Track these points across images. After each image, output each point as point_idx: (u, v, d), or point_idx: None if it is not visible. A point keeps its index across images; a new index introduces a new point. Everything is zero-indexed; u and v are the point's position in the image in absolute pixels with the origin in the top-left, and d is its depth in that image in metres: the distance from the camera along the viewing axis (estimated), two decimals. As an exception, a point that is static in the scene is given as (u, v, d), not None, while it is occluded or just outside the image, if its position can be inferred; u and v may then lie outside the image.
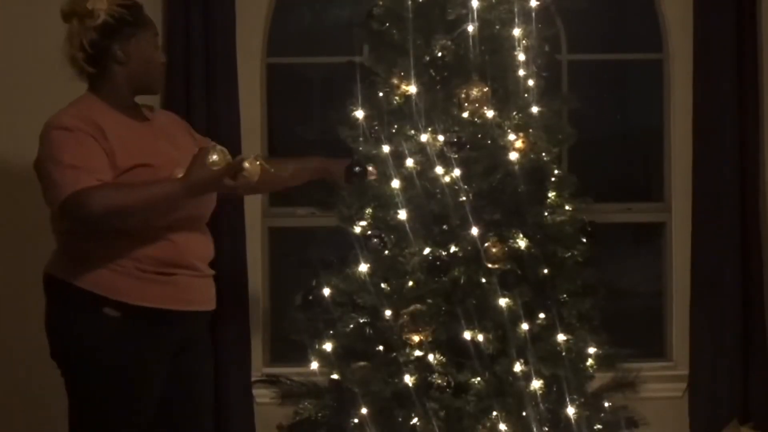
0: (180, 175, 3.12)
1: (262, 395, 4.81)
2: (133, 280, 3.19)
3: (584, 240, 3.95)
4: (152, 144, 3.30)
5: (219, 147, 3.18)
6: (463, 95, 3.82)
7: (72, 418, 3.38)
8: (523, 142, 3.85)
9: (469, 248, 3.79)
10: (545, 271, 3.87)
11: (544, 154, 3.93)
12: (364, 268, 3.87)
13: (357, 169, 3.66)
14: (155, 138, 3.34)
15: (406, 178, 3.84)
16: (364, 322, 3.90)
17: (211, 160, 3.10)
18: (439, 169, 3.82)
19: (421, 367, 3.77)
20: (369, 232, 3.88)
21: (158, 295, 3.22)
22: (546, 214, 3.93)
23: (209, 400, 3.55)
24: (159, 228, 3.22)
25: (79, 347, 3.24)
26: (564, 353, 3.84)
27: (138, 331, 3.20)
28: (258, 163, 3.09)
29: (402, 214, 3.81)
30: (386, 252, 3.86)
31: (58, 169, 3.11)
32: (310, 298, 3.97)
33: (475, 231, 3.78)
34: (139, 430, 3.29)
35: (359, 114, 3.92)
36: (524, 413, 3.77)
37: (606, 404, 4.06)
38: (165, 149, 3.31)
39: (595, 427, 3.95)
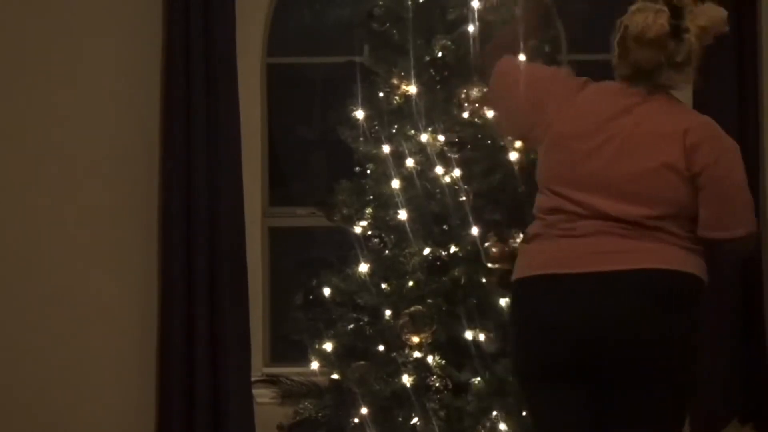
0: None
1: (262, 395, 4.81)
2: None
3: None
4: None
5: None
6: (463, 95, 3.83)
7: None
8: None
9: (469, 248, 3.79)
10: (545, 271, 3.87)
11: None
12: (364, 268, 3.87)
13: None
14: None
15: (406, 178, 3.84)
16: (364, 322, 3.90)
17: None
18: (439, 169, 3.82)
19: (420, 367, 3.77)
20: (369, 232, 3.89)
21: None
22: (546, 214, 3.92)
23: None
24: None
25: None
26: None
27: None
28: None
29: (402, 214, 3.81)
30: (386, 252, 3.86)
31: (743, 198, 3.05)
32: (311, 298, 3.97)
33: (475, 231, 3.78)
34: None
35: (359, 114, 3.92)
36: (524, 413, 3.77)
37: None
38: None
39: (595, 427, 3.95)
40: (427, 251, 3.82)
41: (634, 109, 2.92)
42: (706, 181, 2.90)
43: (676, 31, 2.93)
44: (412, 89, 3.88)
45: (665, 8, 2.90)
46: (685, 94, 5.04)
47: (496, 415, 3.74)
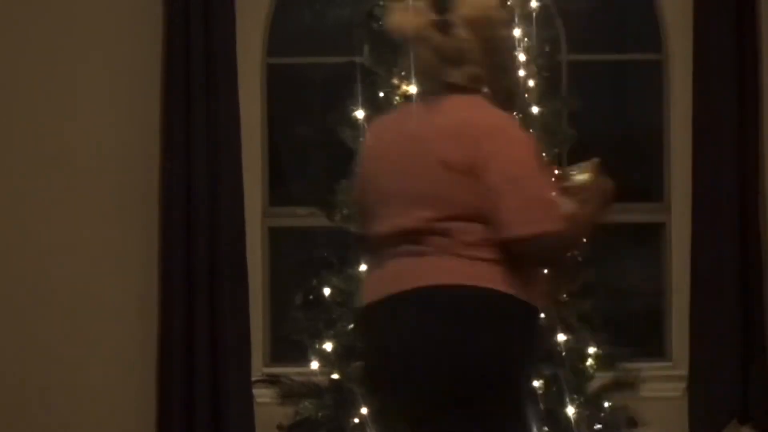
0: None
1: (262, 395, 4.81)
2: None
3: (584, 240, 3.94)
4: None
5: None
6: (463, 95, 3.81)
7: None
8: (523, 142, 3.85)
9: (469, 248, 3.78)
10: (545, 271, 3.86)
11: (543, 154, 3.93)
12: (364, 268, 3.86)
13: None
14: None
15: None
16: (364, 322, 3.89)
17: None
18: (439, 169, 3.81)
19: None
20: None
21: None
22: (546, 214, 3.92)
23: None
24: None
25: None
26: (564, 353, 3.83)
27: None
28: None
29: (402, 214, 3.80)
30: (386, 252, 3.85)
31: (535, 191, 2.69)
32: (311, 298, 3.96)
33: (475, 231, 3.77)
34: None
35: (359, 114, 3.92)
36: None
37: (606, 404, 4.05)
38: None
39: (595, 427, 3.95)
40: (427, 251, 3.81)
41: (423, 113, 2.77)
42: (492, 175, 2.63)
43: (443, 25, 2.74)
44: (412, 89, 3.87)
45: (424, 2, 2.77)
46: (685, 93, 5.08)
47: (496, 415, 3.73)
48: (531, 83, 3.94)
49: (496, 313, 2.65)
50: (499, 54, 2.80)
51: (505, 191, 2.63)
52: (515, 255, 2.66)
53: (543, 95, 3.96)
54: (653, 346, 5.29)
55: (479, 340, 2.61)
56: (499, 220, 2.64)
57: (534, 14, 3.93)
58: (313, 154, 5.59)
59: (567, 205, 2.74)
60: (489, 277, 2.65)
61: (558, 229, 2.66)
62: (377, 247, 2.79)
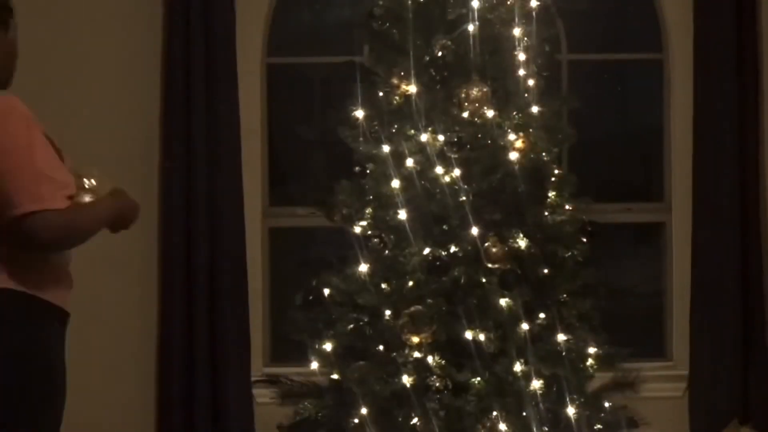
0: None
1: (262, 395, 4.81)
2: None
3: (584, 240, 3.95)
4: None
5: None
6: (463, 95, 3.82)
7: None
8: (523, 142, 3.86)
9: (469, 248, 3.79)
10: (545, 271, 3.87)
11: (544, 154, 3.93)
12: (364, 268, 3.87)
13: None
14: None
15: (406, 178, 3.84)
16: (364, 322, 3.90)
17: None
18: (439, 169, 3.82)
19: (420, 367, 3.77)
20: (369, 232, 3.88)
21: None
22: (546, 214, 3.93)
23: None
24: None
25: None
26: (564, 353, 3.84)
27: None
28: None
29: (402, 214, 3.81)
30: (386, 252, 3.86)
31: (36, 171, 2.63)
32: (311, 298, 3.97)
33: (475, 231, 3.78)
34: None
35: (359, 114, 3.92)
36: (524, 413, 3.77)
37: (606, 404, 4.06)
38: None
39: (595, 427, 3.95)
40: (426, 251, 3.82)
41: None
42: None
43: None
44: (412, 89, 3.88)
45: None
46: (685, 93, 5.08)
47: (496, 415, 3.74)
48: (531, 83, 3.94)
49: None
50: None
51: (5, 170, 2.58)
52: (20, 243, 2.59)
53: (543, 95, 3.96)
54: (653, 346, 5.29)
55: None
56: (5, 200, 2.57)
57: (534, 14, 3.93)
58: (313, 154, 5.59)
59: (80, 196, 2.73)
60: None
61: (61, 208, 2.61)
62: None
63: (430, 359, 3.76)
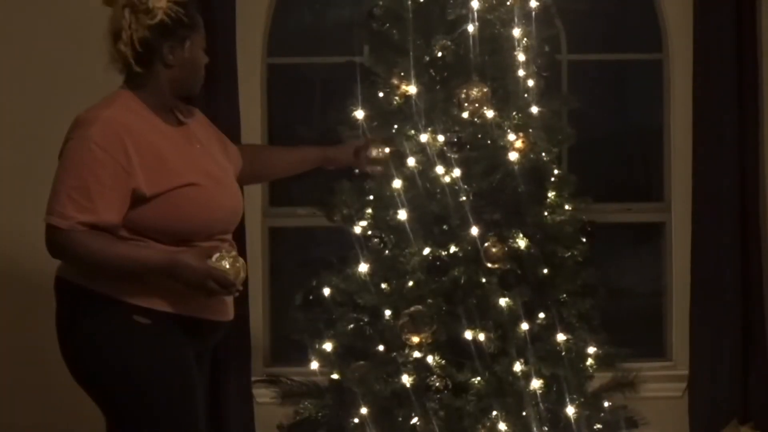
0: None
1: (262, 395, 4.81)
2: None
3: (584, 240, 3.95)
4: (193, 158, 3.08)
5: (233, 254, 3.04)
6: (463, 95, 3.82)
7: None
8: (523, 142, 3.86)
9: (469, 248, 3.79)
10: (545, 271, 3.87)
11: (544, 154, 3.94)
12: (364, 268, 3.87)
13: (377, 152, 3.64)
14: (191, 146, 3.13)
15: (407, 178, 3.84)
16: (364, 322, 3.90)
17: (214, 263, 2.99)
18: (439, 169, 3.82)
19: (420, 367, 3.77)
20: (369, 232, 3.89)
21: (194, 304, 3.06)
22: (546, 214, 3.93)
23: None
24: (197, 239, 3.07)
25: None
26: (564, 353, 3.84)
27: (171, 339, 3.05)
28: (243, 275, 3.07)
29: (402, 214, 3.81)
30: (386, 252, 3.86)
31: (65, 188, 2.93)
32: (311, 298, 3.97)
33: (475, 231, 3.78)
34: None
35: (359, 114, 3.92)
36: (524, 413, 3.77)
37: (606, 404, 4.06)
38: (205, 163, 3.11)
39: (595, 427, 3.95)
40: (427, 251, 3.82)
41: None
42: None
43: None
44: (412, 89, 3.88)
45: None
46: (685, 93, 5.08)
47: (496, 415, 3.74)
48: (531, 83, 3.94)
49: (61, 297, 3.11)
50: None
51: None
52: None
53: (543, 95, 3.96)
54: (653, 346, 5.29)
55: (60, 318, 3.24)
56: None
57: (534, 14, 3.93)
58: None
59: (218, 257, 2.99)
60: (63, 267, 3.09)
61: (61, 227, 2.90)
62: None
63: (430, 359, 3.77)
